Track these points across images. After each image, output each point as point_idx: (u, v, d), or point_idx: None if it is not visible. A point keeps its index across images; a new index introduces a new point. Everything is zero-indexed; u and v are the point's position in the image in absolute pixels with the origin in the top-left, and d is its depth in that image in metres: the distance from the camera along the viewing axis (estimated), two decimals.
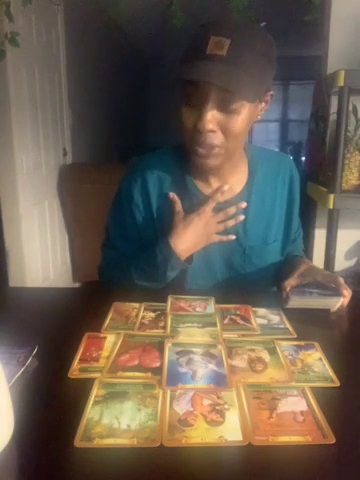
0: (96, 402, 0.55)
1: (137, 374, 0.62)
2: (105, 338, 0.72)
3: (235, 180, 0.97)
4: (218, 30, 0.76)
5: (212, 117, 0.79)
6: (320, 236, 1.98)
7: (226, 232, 0.96)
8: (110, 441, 0.49)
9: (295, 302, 0.83)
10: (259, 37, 0.79)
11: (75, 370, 0.63)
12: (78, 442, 0.48)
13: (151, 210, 0.97)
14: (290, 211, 1.04)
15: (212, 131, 0.80)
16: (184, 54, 0.80)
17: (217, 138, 0.82)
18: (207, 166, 0.87)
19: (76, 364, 0.64)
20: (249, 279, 1.00)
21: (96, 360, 0.65)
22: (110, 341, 0.71)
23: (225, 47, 0.74)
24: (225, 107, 0.79)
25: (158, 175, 0.97)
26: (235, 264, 1.00)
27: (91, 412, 0.53)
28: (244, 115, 0.81)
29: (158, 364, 0.64)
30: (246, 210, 0.97)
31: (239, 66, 0.75)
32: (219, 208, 0.95)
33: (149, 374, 0.61)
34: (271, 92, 0.86)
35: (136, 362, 0.64)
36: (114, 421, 0.52)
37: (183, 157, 0.96)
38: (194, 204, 0.96)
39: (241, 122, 0.81)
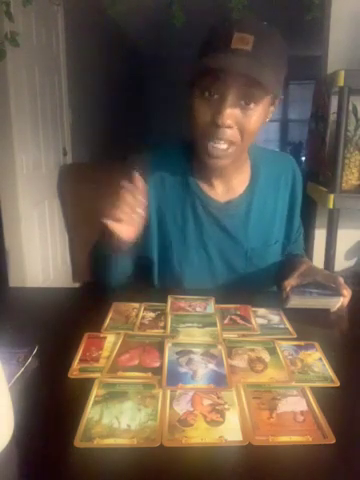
0: (96, 402, 0.55)
1: (137, 374, 0.62)
2: (105, 338, 0.72)
3: (238, 181, 0.97)
4: (241, 26, 0.76)
5: (231, 112, 0.78)
6: (320, 236, 1.98)
7: (227, 235, 0.96)
8: (110, 441, 0.49)
9: (295, 302, 0.83)
10: (278, 38, 0.80)
11: (75, 370, 0.63)
12: (78, 442, 0.48)
13: (149, 212, 0.94)
14: (292, 212, 1.03)
15: (229, 127, 0.79)
16: (204, 48, 0.80)
17: (233, 135, 0.80)
18: (216, 166, 0.85)
19: (76, 364, 0.64)
20: (250, 280, 1.00)
21: (96, 360, 0.65)
22: (110, 341, 0.71)
23: (250, 43, 0.75)
24: (244, 103, 0.78)
25: (160, 175, 0.95)
26: (236, 266, 0.99)
27: (91, 412, 0.53)
28: (259, 114, 0.81)
29: (158, 364, 0.64)
30: (248, 211, 0.97)
31: (263, 62, 0.75)
32: (221, 210, 0.95)
33: (149, 374, 0.61)
34: (281, 96, 0.86)
35: (136, 362, 0.64)
36: (114, 421, 0.52)
37: (189, 156, 0.95)
38: (196, 205, 0.95)
39: (256, 121, 0.81)
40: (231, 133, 0.80)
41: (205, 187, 0.96)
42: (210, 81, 0.78)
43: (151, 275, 1.02)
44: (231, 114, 0.78)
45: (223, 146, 0.82)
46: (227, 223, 0.96)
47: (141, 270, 1.03)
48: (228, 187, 0.96)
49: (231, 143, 0.81)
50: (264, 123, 0.86)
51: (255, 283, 1.00)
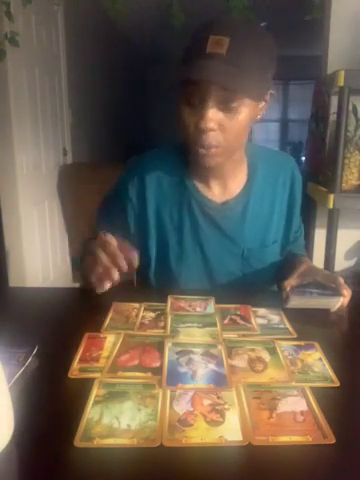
0: (96, 402, 0.55)
1: (137, 374, 0.61)
2: (105, 338, 0.72)
3: (234, 182, 0.96)
4: (217, 29, 0.75)
5: (213, 116, 0.78)
6: (320, 236, 1.98)
7: (223, 235, 0.96)
8: (110, 441, 0.49)
9: (295, 302, 0.83)
10: (258, 35, 0.79)
11: (75, 370, 0.63)
12: (78, 442, 0.48)
13: (146, 212, 0.95)
14: (290, 213, 1.02)
15: (212, 130, 0.79)
16: (185, 54, 0.80)
17: (217, 138, 0.81)
18: (207, 164, 0.85)
19: (76, 364, 0.64)
20: (247, 281, 1.00)
21: (96, 360, 0.65)
22: (110, 341, 0.71)
23: (225, 46, 0.74)
24: (225, 106, 0.78)
25: (158, 176, 0.95)
26: (232, 267, 0.99)
27: (91, 412, 0.53)
28: (244, 114, 0.80)
29: (158, 364, 0.64)
30: (244, 211, 0.96)
31: (239, 64, 0.75)
32: (217, 210, 0.95)
33: (149, 374, 0.61)
34: (271, 91, 0.85)
35: (136, 362, 0.64)
36: (114, 421, 0.52)
37: (186, 157, 0.95)
38: (193, 206, 0.95)
39: (241, 121, 0.80)
40: (215, 136, 0.80)
41: (202, 188, 0.96)
42: (190, 88, 0.78)
43: (148, 275, 1.02)
44: (213, 117, 0.78)
45: (209, 149, 0.82)
46: (223, 224, 0.96)
47: (138, 269, 1.03)
48: (225, 188, 0.96)
49: (215, 146, 0.82)
50: (256, 119, 0.86)
51: (252, 284, 1.00)
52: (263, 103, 0.86)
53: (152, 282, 1.02)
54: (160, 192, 0.95)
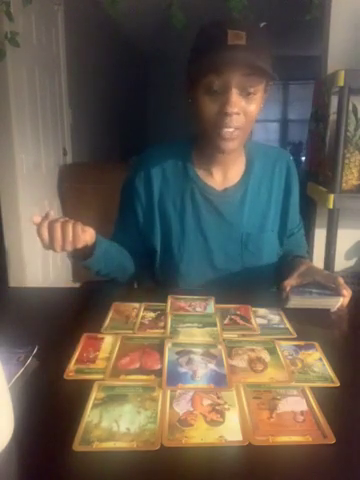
0: (95, 405, 0.55)
1: (141, 377, 0.61)
2: (103, 339, 0.72)
3: (234, 171, 1.02)
4: (232, 24, 0.84)
5: (236, 101, 0.86)
6: (320, 236, 1.98)
7: (223, 220, 1.00)
8: (109, 444, 0.48)
9: (295, 302, 0.83)
10: (262, 31, 0.89)
11: (71, 371, 0.62)
12: (77, 446, 0.48)
13: (152, 203, 1.01)
14: (287, 202, 1.06)
15: (237, 113, 0.87)
16: (199, 49, 0.87)
17: (239, 120, 0.88)
18: (228, 148, 0.91)
19: (72, 365, 0.64)
20: (246, 269, 1.02)
21: (92, 361, 0.65)
22: (108, 342, 0.71)
23: (243, 38, 0.82)
24: (245, 92, 0.86)
25: (161, 165, 1.02)
26: (232, 252, 1.02)
27: (90, 415, 0.53)
28: (259, 100, 0.89)
29: (160, 366, 0.63)
30: (243, 198, 1.02)
31: (258, 52, 0.84)
32: (218, 196, 1.00)
33: (152, 376, 0.61)
34: (271, 82, 0.93)
35: (137, 365, 0.64)
36: (113, 424, 0.51)
37: (189, 148, 1.02)
38: (195, 193, 1.00)
39: (257, 106, 0.89)
40: (238, 119, 0.87)
41: (204, 176, 1.02)
42: (213, 77, 0.84)
43: (153, 264, 1.07)
44: (236, 102, 0.86)
45: (231, 130, 0.88)
46: (223, 209, 1.01)
47: (144, 259, 1.08)
48: (225, 176, 1.02)
49: (238, 128, 0.88)
50: (261, 109, 0.93)
51: (252, 273, 1.02)
52: (265, 94, 0.93)
53: (157, 271, 1.07)
54: (165, 182, 1.01)
